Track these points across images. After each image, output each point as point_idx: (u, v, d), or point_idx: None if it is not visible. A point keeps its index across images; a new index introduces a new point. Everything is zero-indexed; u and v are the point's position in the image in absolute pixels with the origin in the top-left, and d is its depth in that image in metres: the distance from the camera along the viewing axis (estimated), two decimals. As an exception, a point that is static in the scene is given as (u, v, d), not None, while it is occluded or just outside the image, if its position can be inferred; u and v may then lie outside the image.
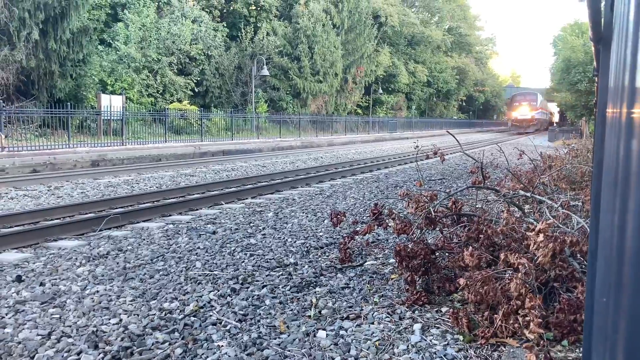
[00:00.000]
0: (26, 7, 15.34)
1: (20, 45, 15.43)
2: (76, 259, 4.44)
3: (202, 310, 3.20)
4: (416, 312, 3.17)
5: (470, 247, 3.09)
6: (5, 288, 3.62)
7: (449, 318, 3.00)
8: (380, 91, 39.13)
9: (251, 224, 5.90)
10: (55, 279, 3.82)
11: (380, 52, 37.87)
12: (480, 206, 4.88)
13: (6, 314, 3.12)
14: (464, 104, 58.88)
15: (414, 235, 3.63)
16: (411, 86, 43.68)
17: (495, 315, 2.77)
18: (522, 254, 2.86)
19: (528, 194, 4.37)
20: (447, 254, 3.76)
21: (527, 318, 2.59)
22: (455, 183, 9.37)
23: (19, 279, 3.83)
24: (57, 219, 6.26)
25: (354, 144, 26.90)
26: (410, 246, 3.45)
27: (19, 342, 2.71)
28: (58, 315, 3.10)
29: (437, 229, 3.96)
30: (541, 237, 2.69)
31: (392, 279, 3.82)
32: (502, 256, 2.79)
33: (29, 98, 16.71)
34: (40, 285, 3.66)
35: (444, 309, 3.20)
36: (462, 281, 2.88)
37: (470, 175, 6.09)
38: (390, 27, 39.31)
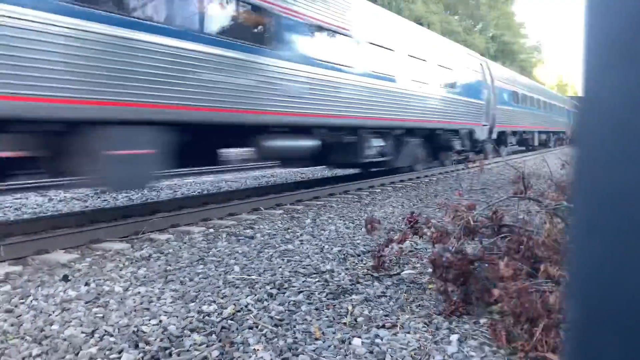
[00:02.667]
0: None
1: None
2: (120, 260, 4.58)
3: (239, 313, 3.24)
4: (453, 322, 3.13)
5: (506, 258, 3.03)
6: (53, 287, 3.77)
7: (487, 330, 2.95)
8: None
9: (289, 230, 5.94)
10: (100, 280, 3.94)
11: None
12: (521, 217, 4.78)
13: (53, 312, 3.24)
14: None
15: (452, 245, 3.58)
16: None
17: (535, 329, 2.70)
18: (563, 267, 2.79)
19: (572, 205, 4.25)
20: (486, 264, 3.70)
21: (568, 332, 2.52)
22: (497, 193, 9.20)
23: (65, 279, 3.97)
24: (102, 221, 6.46)
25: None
26: (446, 256, 3.41)
27: (65, 339, 2.82)
28: (101, 315, 3.20)
29: (477, 239, 3.90)
30: (584, 249, 2.62)
31: (429, 288, 3.78)
32: (542, 268, 2.73)
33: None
34: (85, 285, 3.78)
35: (482, 321, 3.15)
36: (496, 292, 2.83)
37: (512, 185, 5.96)
38: (433, 35, 38.99)
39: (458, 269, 3.34)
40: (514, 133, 21.48)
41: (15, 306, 3.36)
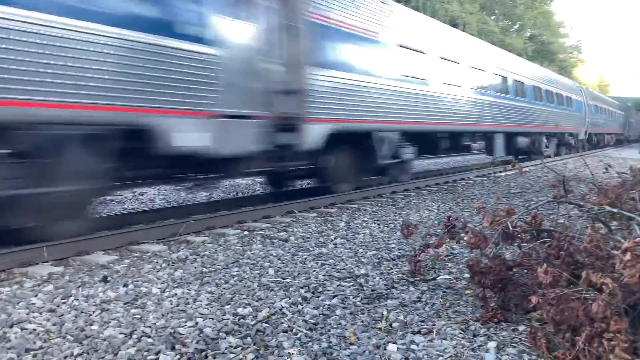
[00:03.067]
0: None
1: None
2: (157, 262, 4.66)
3: (273, 317, 3.25)
4: (491, 329, 3.07)
5: (545, 264, 2.95)
6: (93, 287, 3.86)
7: (526, 337, 2.88)
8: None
9: (323, 233, 5.94)
10: (138, 281, 4.02)
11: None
12: (562, 221, 4.65)
13: (93, 312, 3.32)
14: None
15: (490, 250, 3.51)
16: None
17: (577, 338, 2.62)
18: (606, 274, 2.70)
19: (615, 210, 4.11)
20: (525, 270, 3.61)
21: (613, 342, 2.44)
22: (536, 197, 8.99)
23: (104, 280, 4.06)
24: (140, 223, 6.60)
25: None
26: (484, 261, 3.35)
27: (104, 339, 2.88)
28: (139, 316, 3.25)
29: (515, 244, 3.81)
30: (628, 255, 2.53)
31: (466, 294, 3.71)
32: (583, 275, 2.64)
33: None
34: (124, 286, 3.86)
35: (521, 328, 3.07)
36: (533, 299, 2.76)
37: (552, 189, 5.82)
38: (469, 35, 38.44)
39: (496, 274, 3.27)
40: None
41: (58, 306, 3.45)
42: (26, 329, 3.04)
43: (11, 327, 3.06)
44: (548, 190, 9.33)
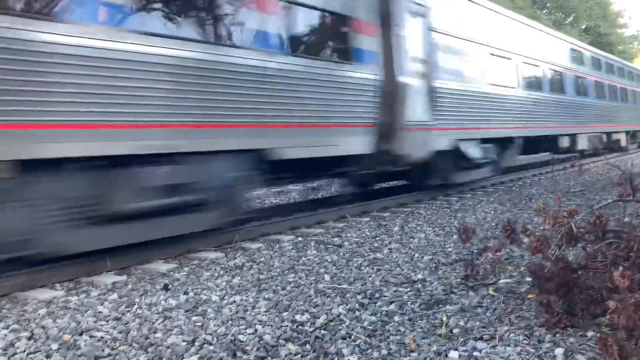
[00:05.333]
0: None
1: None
2: (215, 269, 4.75)
3: (331, 323, 3.25)
4: (557, 335, 2.95)
5: (620, 267, 2.81)
6: (155, 296, 3.97)
7: (595, 344, 2.75)
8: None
9: (377, 238, 5.90)
10: (197, 289, 4.11)
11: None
12: (629, 220, 4.44)
13: (156, 320, 3.41)
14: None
15: (552, 253, 3.39)
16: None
17: (652, 344, 2.49)
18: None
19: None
20: (591, 273, 3.46)
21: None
22: (598, 195, 8.63)
23: (166, 288, 4.17)
24: (198, 231, 6.74)
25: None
26: (547, 265, 3.23)
27: (168, 347, 2.95)
28: (200, 323, 3.32)
29: (579, 246, 3.66)
30: None
31: (528, 298, 3.59)
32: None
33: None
34: (184, 294, 3.95)
35: (589, 334, 2.94)
36: (612, 304, 2.63)
37: (616, 187, 5.57)
38: (520, 30, 37.42)
39: (560, 278, 3.15)
40: None
41: (123, 314, 3.57)
42: (94, 336, 3.15)
43: (81, 334, 3.19)
44: (611, 189, 8.93)
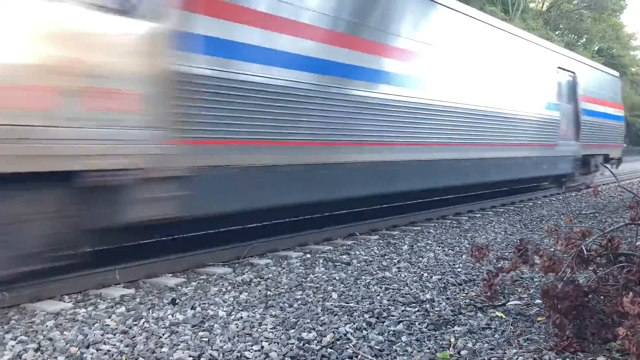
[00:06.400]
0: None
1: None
2: (222, 284, 4.74)
3: (338, 342, 3.22)
4: (567, 359, 2.91)
5: (631, 293, 2.77)
6: (162, 310, 3.97)
7: (606, 369, 2.71)
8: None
9: (385, 257, 5.87)
10: (205, 304, 4.10)
11: (521, 78, 36.19)
12: (641, 244, 4.39)
13: (163, 334, 3.41)
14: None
15: (564, 274, 3.35)
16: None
17: (664, 371, 2.44)
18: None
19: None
20: (601, 297, 3.42)
21: None
22: (610, 218, 8.55)
23: (173, 302, 4.17)
24: (206, 246, 6.75)
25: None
26: (559, 286, 3.19)
27: (173, 362, 2.94)
28: (207, 339, 3.31)
29: (590, 268, 3.62)
30: None
31: (538, 321, 3.55)
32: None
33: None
34: (191, 309, 3.95)
35: (599, 359, 2.90)
36: (621, 331, 2.59)
37: (628, 210, 5.53)
38: (532, 51, 37.41)
39: (571, 301, 3.11)
40: None
41: (130, 328, 3.57)
42: (101, 349, 3.15)
43: (87, 347, 3.19)
44: (623, 211, 8.85)
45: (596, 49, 49.58)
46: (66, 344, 3.24)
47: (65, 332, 3.47)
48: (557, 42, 40.85)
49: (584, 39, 50.20)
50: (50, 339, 3.34)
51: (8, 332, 3.49)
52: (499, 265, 4.10)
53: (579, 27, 49.01)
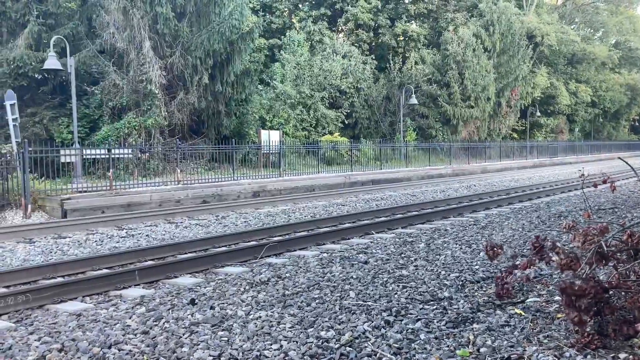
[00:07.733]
0: (198, 55, 17.19)
1: (193, 89, 17.32)
2: (240, 284, 4.78)
3: (357, 340, 3.23)
4: (588, 356, 2.89)
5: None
6: (182, 310, 4.01)
7: (628, 366, 2.69)
8: (538, 114, 36.90)
9: (402, 255, 5.86)
10: (223, 303, 4.14)
11: (537, 73, 35.83)
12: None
13: (183, 334, 3.44)
14: (637, 124, 53.16)
15: (582, 271, 3.32)
16: (573, 107, 40.54)
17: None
18: None
19: None
20: (623, 293, 3.38)
21: None
22: (630, 213, 8.44)
23: (192, 302, 4.21)
24: (224, 246, 6.80)
25: (509, 171, 25.61)
26: (578, 283, 3.17)
27: (194, 361, 2.97)
28: (226, 338, 3.34)
29: (611, 265, 3.58)
30: None
31: (558, 318, 3.53)
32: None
33: (199, 136, 18.60)
34: (210, 309, 3.99)
35: (621, 355, 2.87)
36: (642, 326, 2.56)
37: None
38: (548, 46, 37.04)
39: (591, 297, 3.08)
40: None
41: (150, 328, 3.61)
42: (123, 349, 3.20)
43: (109, 347, 3.24)
44: (644, 206, 8.73)
45: (613, 42, 48.91)
46: (89, 344, 3.30)
47: (87, 333, 3.53)
48: (573, 36, 40.42)
49: (600, 33, 49.51)
50: (73, 340, 3.39)
51: (32, 334, 3.56)
52: (514, 263, 4.07)
53: (594, 20, 48.35)
